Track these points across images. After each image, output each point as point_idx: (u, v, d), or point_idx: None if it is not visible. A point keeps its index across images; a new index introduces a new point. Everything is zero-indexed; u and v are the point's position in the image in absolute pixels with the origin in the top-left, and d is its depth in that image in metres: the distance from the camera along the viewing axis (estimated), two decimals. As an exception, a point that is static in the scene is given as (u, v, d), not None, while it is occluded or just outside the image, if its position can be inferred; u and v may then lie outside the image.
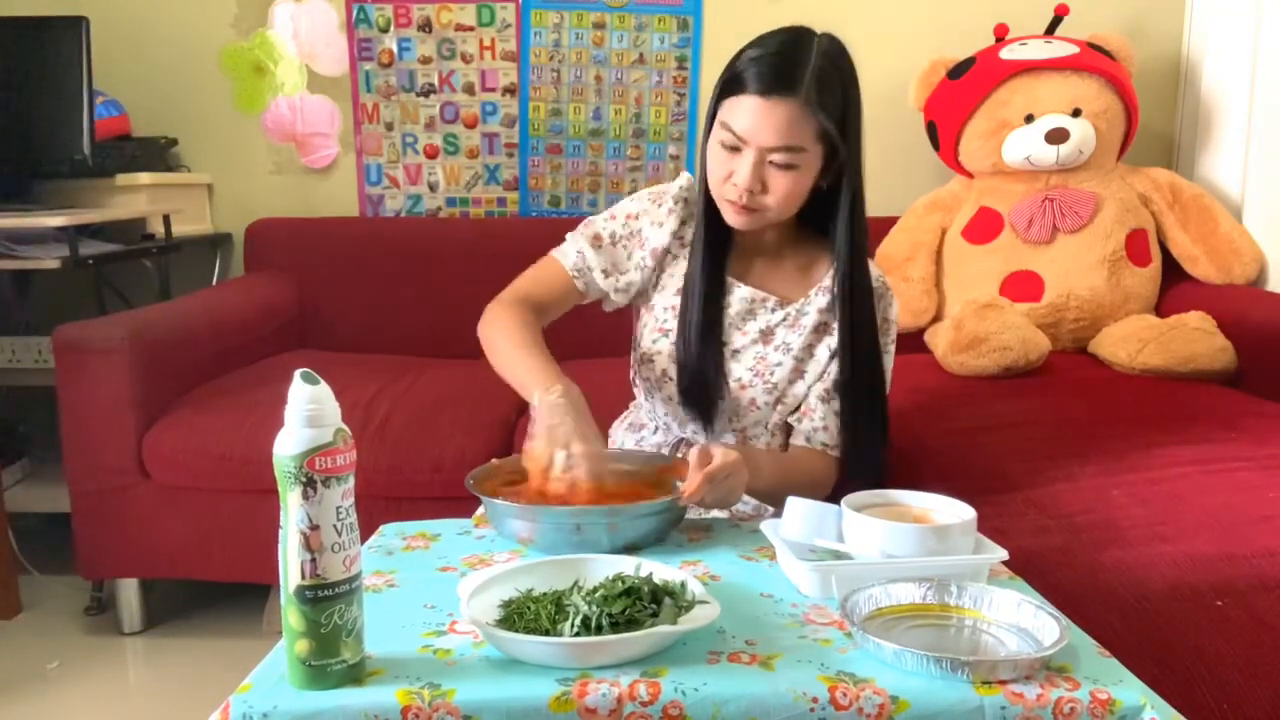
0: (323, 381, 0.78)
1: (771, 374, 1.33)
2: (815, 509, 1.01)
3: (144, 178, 2.49)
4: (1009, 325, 2.06)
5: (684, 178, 1.39)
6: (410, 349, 2.54)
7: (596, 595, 0.85)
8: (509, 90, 2.70)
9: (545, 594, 0.87)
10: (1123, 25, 2.52)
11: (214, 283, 2.76)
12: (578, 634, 0.80)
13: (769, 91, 1.17)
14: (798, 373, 1.34)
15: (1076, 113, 2.26)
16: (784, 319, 1.34)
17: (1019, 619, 0.87)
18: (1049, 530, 1.34)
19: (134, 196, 2.49)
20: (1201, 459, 1.50)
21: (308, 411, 0.76)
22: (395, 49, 2.69)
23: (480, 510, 1.25)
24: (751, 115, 1.19)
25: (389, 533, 1.15)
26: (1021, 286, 2.26)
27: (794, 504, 1.02)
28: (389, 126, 2.73)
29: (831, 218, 1.29)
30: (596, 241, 1.37)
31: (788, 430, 1.38)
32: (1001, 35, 2.46)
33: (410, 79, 2.71)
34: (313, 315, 2.64)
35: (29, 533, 2.41)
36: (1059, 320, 2.24)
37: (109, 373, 1.98)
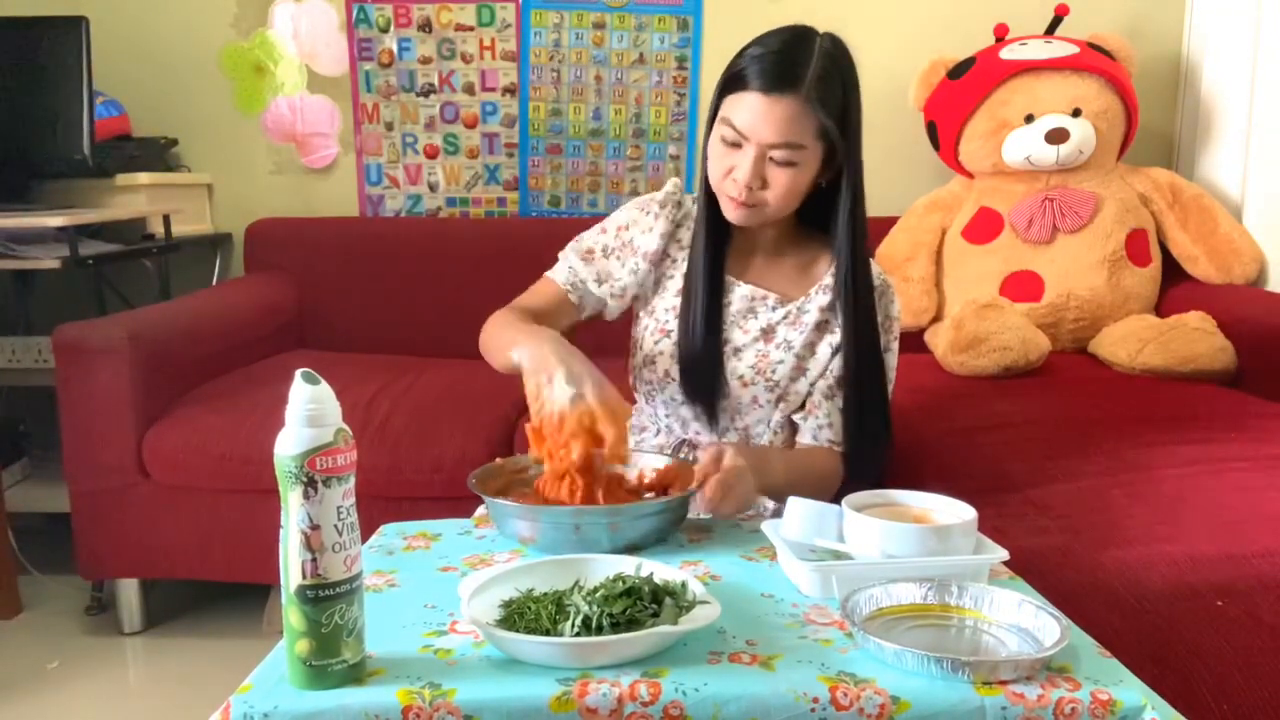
0: (323, 381, 0.78)
1: (773, 372, 1.33)
2: (815, 509, 1.01)
3: (144, 178, 2.49)
4: (1009, 325, 2.06)
5: (671, 183, 1.40)
6: (410, 349, 2.54)
7: (597, 595, 0.85)
8: (509, 90, 2.70)
9: (546, 594, 0.87)
10: (1123, 25, 2.52)
11: (214, 283, 2.75)
12: (578, 634, 0.80)
13: (771, 88, 1.18)
14: (799, 370, 1.34)
15: (1076, 113, 2.26)
16: (785, 317, 1.34)
17: (1019, 619, 0.87)
18: (1049, 530, 1.34)
19: (134, 196, 2.49)
20: (1201, 459, 1.50)
21: (308, 411, 0.76)
22: (395, 49, 2.69)
23: (481, 510, 1.25)
24: (753, 111, 1.20)
25: (389, 533, 1.15)
26: (1021, 286, 2.26)
27: (794, 504, 1.02)
28: (389, 126, 2.73)
29: (831, 215, 1.29)
30: (588, 256, 1.38)
31: (790, 428, 1.38)
32: (1001, 35, 2.46)
33: (410, 79, 2.71)
34: (313, 315, 2.64)
35: (29, 533, 2.41)
36: (1059, 320, 2.24)
37: (109, 373, 1.98)
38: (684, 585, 0.89)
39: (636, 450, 1.38)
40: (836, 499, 1.03)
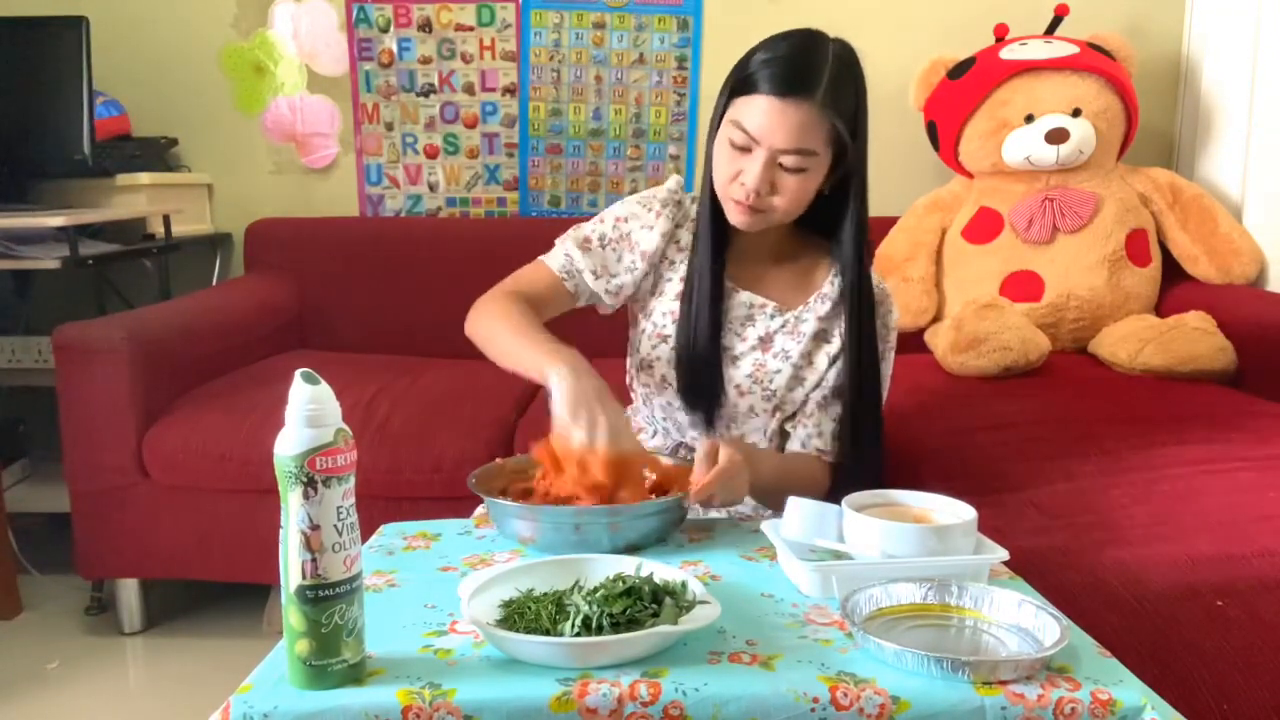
0: (323, 381, 0.78)
1: (770, 381, 1.32)
2: (816, 509, 1.01)
3: (144, 178, 2.49)
4: (1009, 325, 2.06)
5: (672, 180, 1.38)
6: (410, 349, 2.54)
7: (597, 595, 0.85)
8: (509, 90, 2.70)
9: (546, 594, 0.87)
10: (1123, 25, 2.52)
11: (214, 283, 2.75)
12: (578, 634, 0.80)
13: (785, 92, 1.16)
14: (796, 380, 1.33)
15: (1076, 113, 2.26)
16: (783, 325, 1.33)
17: (1020, 619, 0.87)
18: (1049, 530, 1.33)
19: (134, 196, 2.48)
20: (1201, 459, 1.50)
21: (308, 411, 0.76)
22: (395, 49, 2.69)
23: (480, 510, 1.25)
24: (766, 115, 1.17)
25: (389, 533, 1.15)
26: (1021, 286, 2.26)
27: (794, 504, 1.02)
28: (389, 126, 2.73)
29: (833, 222, 1.28)
30: (585, 245, 1.35)
31: (785, 437, 1.38)
32: (1001, 35, 2.46)
33: (410, 79, 2.71)
34: (313, 315, 2.64)
35: (29, 533, 2.41)
36: (1059, 320, 2.24)
37: (109, 373, 1.98)
38: (684, 585, 0.89)
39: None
40: (833, 501, 1.03)
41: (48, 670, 2.00)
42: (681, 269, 1.35)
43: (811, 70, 1.17)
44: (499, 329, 1.25)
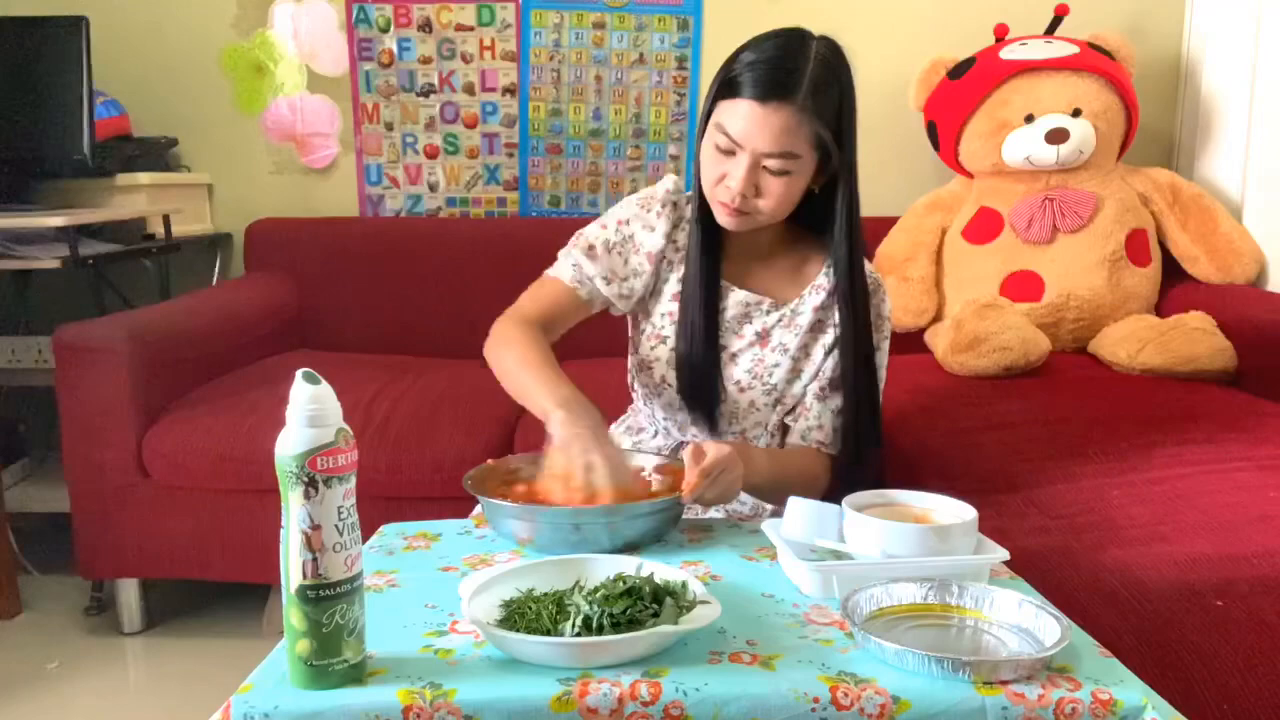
0: (324, 381, 0.78)
1: (770, 375, 1.33)
2: (816, 509, 1.01)
3: (144, 178, 2.49)
4: (1009, 325, 2.06)
5: (669, 180, 1.38)
6: (410, 349, 2.54)
7: (598, 595, 0.85)
8: (509, 90, 2.70)
9: (546, 594, 0.87)
10: (1123, 25, 2.52)
11: (214, 283, 2.75)
12: (579, 634, 0.80)
13: (765, 97, 1.16)
14: (795, 373, 1.34)
15: (1076, 113, 2.26)
16: (779, 320, 1.34)
17: (1020, 619, 0.87)
18: (1049, 530, 1.34)
19: (134, 196, 2.49)
20: (1201, 459, 1.50)
21: (309, 411, 0.76)
22: (395, 49, 2.69)
23: (478, 509, 1.25)
24: (747, 120, 1.18)
25: (390, 533, 1.15)
26: (1021, 286, 2.26)
27: (795, 504, 1.02)
28: (389, 126, 2.73)
29: (825, 218, 1.28)
30: (591, 252, 1.35)
31: (787, 431, 1.38)
32: (1001, 35, 2.46)
33: (410, 79, 2.71)
34: (313, 315, 2.64)
35: (29, 533, 2.41)
36: (1059, 320, 2.24)
37: (109, 373, 1.98)
38: (684, 585, 0.89)
39: (635, 450, 1.38)
40: (834, 500, 1.03)
41: (48, 670, 2.00)
42: (679, 270, 1.35)
43: (792, 73, 1.16)
44: (512, 360, 1.27)
